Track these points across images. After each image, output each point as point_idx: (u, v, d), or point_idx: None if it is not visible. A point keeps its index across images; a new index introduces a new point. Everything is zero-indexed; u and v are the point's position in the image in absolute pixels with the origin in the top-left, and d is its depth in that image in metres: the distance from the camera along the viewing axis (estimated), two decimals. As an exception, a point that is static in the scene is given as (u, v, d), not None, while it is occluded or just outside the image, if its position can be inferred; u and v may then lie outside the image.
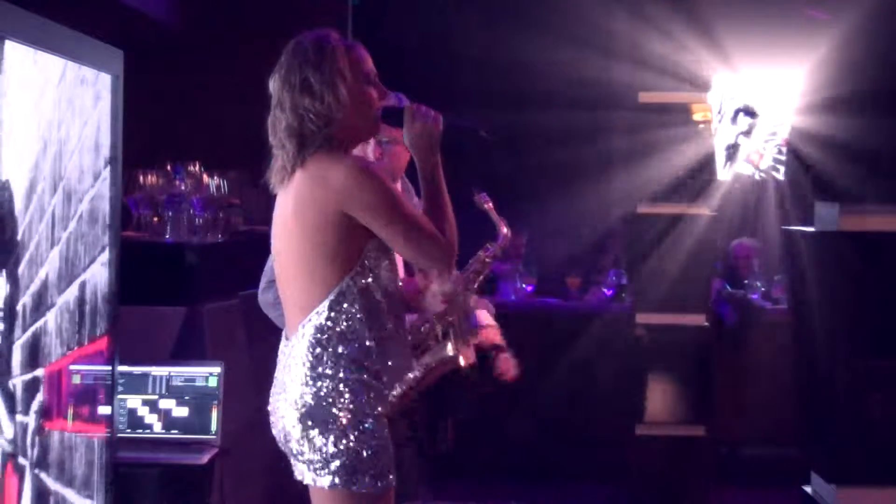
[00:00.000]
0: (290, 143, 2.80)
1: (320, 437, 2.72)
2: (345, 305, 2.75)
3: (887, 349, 4.66)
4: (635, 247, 6.15)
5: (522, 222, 7.17)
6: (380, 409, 2.76)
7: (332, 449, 2.72)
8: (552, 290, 7.87)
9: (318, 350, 2.76)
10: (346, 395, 2.73)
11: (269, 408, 2.89)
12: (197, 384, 4.07)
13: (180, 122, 5.79)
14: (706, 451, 5.94)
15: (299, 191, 2.78)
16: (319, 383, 2.74)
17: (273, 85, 2.87)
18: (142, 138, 4.22)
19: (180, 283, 4.38)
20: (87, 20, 3.56)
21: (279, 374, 2.87)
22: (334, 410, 2.72)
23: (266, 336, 4.20)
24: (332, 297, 2.75)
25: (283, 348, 2.88)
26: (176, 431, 4.05)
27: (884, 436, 4.64)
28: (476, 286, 3.50)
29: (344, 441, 2.71)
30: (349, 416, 2.72)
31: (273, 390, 2.89)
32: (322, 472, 2.73)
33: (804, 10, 4.98)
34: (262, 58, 6.11)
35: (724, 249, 7.35)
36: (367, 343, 2.76)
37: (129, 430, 4.01)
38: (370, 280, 2.77)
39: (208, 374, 4.08)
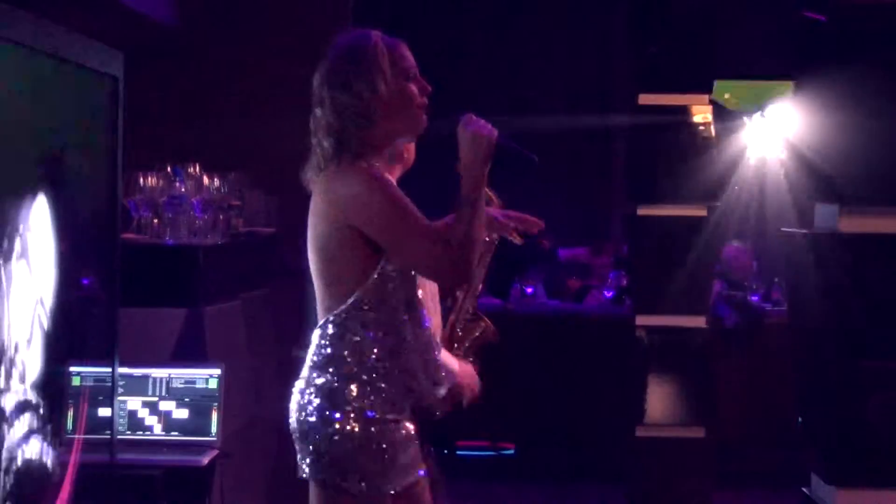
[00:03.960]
0: (328, 142, 2.79)
1: (318, 431, 2.73)
2: (360, 314, 2.75)
3: (887, 350, 4.65)
4: (635, 248, 6.14)
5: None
6: (388, 414, 2.76)
7: (325, 445, 2.73)
8: (553, 292, 7.88)
9: (330, 350, 2.77)
10: (351, 396, 2.73)
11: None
12: (197, 386, 4.07)
13: (180, 123, 5.78)
14: (706, 453, 5.94)
15: (315, 205, 2.79)
16: (325, 381, 2.75)
17: (315, 83, 2.84)
18: (142, 140, 4.22)
19: (180, 284, 4.38)
20: (88, 22, 3.56)
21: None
22: (336, 408, 2.73)
23: (266, 338, 4.23)
24: (349, 302, 2.75)
25: None
26: (176, 433, 4.04)
27: (883, 437, 4.64)
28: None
29: (338, 438, 2.72)
30: (350, 416, 2.72)
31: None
32: (315, 466, 2.74)
33: (801, 12, 4.98)
34: (262, 58, 6.14)
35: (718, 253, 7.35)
36: (382, 350, 2.76)
37: (129, 432, 4.01)
38: (389, 288, 2.76)
39: (208, 376, 4.08)
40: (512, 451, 7.05)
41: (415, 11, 8.36)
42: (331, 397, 2.74)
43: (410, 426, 2.81)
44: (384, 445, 2.74)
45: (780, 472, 6.25)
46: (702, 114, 5.87)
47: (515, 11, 9.05)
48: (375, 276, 2.74)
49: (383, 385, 2.76)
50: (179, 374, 4.07)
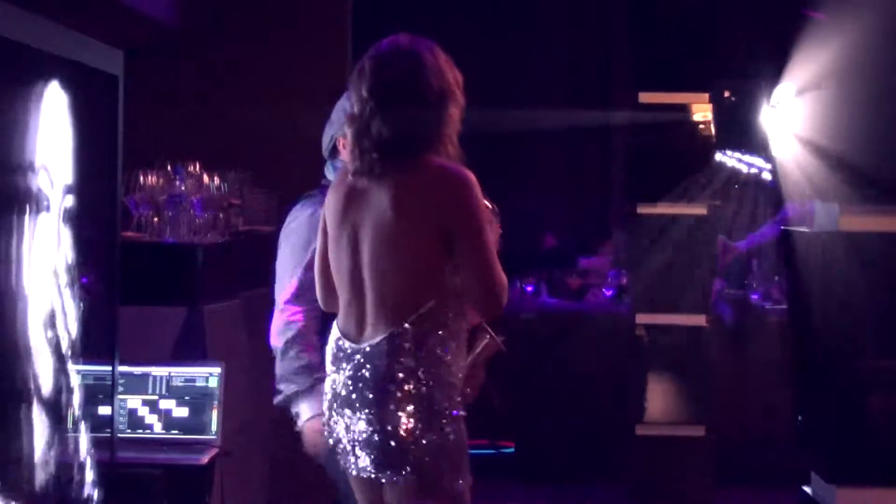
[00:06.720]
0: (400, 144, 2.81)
1: (420, 437, 2.76)
2: (442, 312, 2.80)
3: (887, 349, 4.66)
4: (635, 247, 6.15)
5: (522, 222, 7.18)
6: (462, 412, 2.83)
7: (424, 449, 2.76)
8: (553, 290, 7.87)
9: (418, 354, 2.78)
10: (441, 399, 2.78)
11: (329, 411, 2.89)
12: (197, 384, 4.07)
13: (180, 122, 5.78)
14: (706, 451, 5.94)
15: (390, 198, 2.78)
16: (415, 386, 2.77)
17: (393, 80, 2.88)
18: (142, 138, 4.22)
19: (180, 283, 4.38)
20: (88, 20, 3.56)
21: (347, 378, 2.85)
22: (429, 412, 2.77)
23: (266, 336, 4.21)
24: (430, 304, 2.78)
25: (350, 351, 2.85)
26: (176, 432, 4.04)
27: (883, 436, 4.64)
28: None
29: (434, 440, 2.77)
30: (441, 419, 2.78)
31: (334, 396, 2.87)
32: (414, 471, 2.77)
33: (801, 11, 4.99)
34: (262, 57, 6.13)
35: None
36: (453, 351, 2.82)
37: (129, 431, 4.01)
38: (456, 289, 2.81)
39: (208, 375, 4.08)
40: (512, 450, 7.04)
41: (415, 9, 8.35)
42: (426, 402, 2.77)
43: None
44: (464, 444, 2.84)
45: (780, 471, 6.26)
46: (702, 112, 5.88)
47: (516, 10, 9.04)
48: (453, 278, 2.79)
49: (455, 384, 2.82)
50: (179, 373, 4.07)
